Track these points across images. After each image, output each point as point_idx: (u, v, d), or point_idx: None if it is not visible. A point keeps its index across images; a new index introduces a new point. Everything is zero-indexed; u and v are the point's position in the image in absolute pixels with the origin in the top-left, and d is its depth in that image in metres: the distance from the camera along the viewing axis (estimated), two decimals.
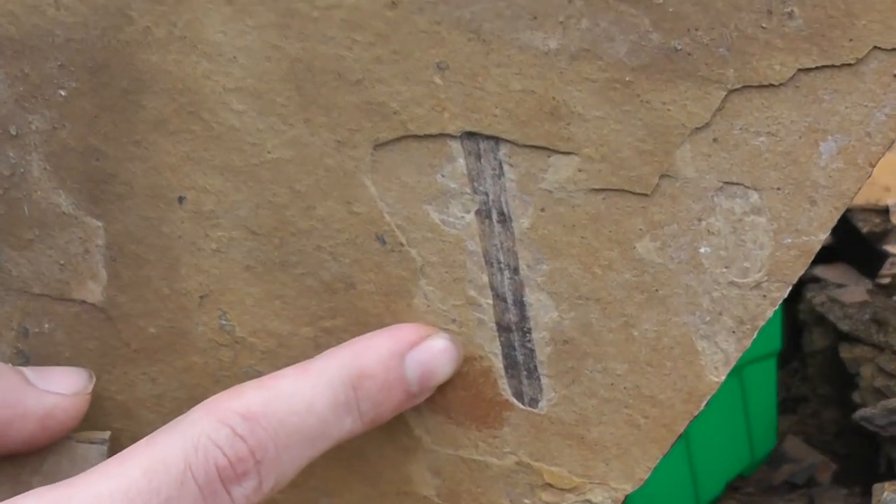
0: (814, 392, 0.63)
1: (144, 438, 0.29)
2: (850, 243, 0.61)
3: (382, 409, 0.32)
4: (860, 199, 0.61)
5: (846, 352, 0.58)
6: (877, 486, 0.44)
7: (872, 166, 0.30)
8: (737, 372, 0.55)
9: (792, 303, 0.62)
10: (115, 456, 0.29)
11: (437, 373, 0.33)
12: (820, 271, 0.61)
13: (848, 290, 0.59)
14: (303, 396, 0.31)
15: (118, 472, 0.28)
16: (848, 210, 0.63)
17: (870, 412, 0.54)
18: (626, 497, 0.34)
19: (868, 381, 0.56)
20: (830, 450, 0.60)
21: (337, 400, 0.31)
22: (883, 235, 0.62)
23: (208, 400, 0.30)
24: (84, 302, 0.36)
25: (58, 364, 0.36)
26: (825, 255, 0.62)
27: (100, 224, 0.35)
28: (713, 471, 0.56)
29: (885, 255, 0.60)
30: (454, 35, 0.31)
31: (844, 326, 0.58)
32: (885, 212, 0.62)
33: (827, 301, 0.59)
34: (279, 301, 0.34)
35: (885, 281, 0.59)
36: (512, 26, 0.31)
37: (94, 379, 0.35)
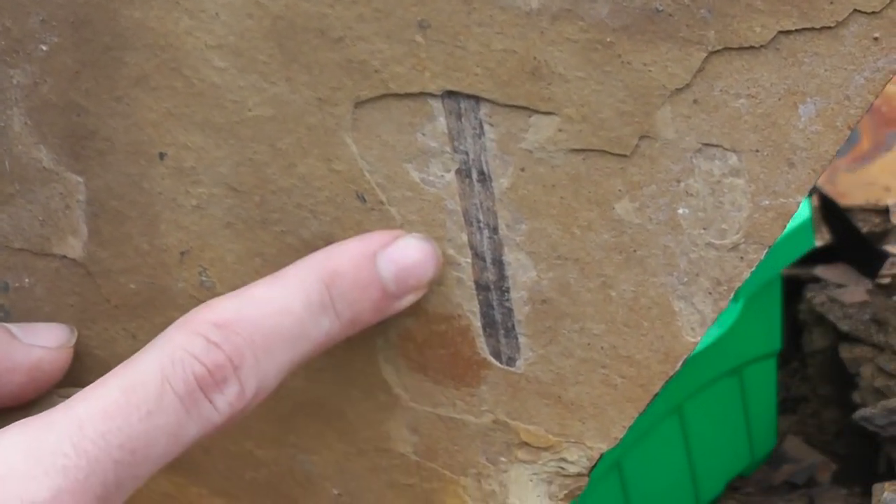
0: (814, 392, 0.63)
1: (123, 362, 0.29)
2: (850, 243, 0.61)
3: (359, 308, 0.32)
4: (860, 199, 0.62)
5: (846, 352, 0.58)
6: (877, 486, 0.44)
7: (850, 129, 0.30)
8: (737, 372, 0.55)
9: (792, 303, 0.62)
10: (95, 381, 0.29)
11: (413, 270, 0.33)
12: (820, 271, 0.61)
13: (848, 290, 0.59)
14: (276, 299, 0.31)
15: (97, 394, 0.28)
16: (848, 210, 0.63)
17: (870, 412, 0.54)
18: (601, 455, 0.34)
19: (868, 381, 0.57)
20: (830, 450, 0.60)
21: (311, 299, 0.31)
22: (883, 235, 0.62)
23: (183, 316, 0.30)
24: (65, 257, 0.36)
25: (38, 319, 0.36)
26: (825, 255, 0.62)
27: (81, 180, 0.35)
28: (713, 471, 0.56)
29: (885, 255, 0.60)
30: None
31: (844, 326, 0.58)
32: (885, 212, 0.62)
33: (827, 301, 0.59)
34: (259, 258, 0.35)
35: (885, 281, 0.59)
36: None
37: (76, 333, 0.35)
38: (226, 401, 0.29)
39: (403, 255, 0.33)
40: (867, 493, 0.49)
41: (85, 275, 0.36)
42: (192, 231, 0.35)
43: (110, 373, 0.29)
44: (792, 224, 0.53)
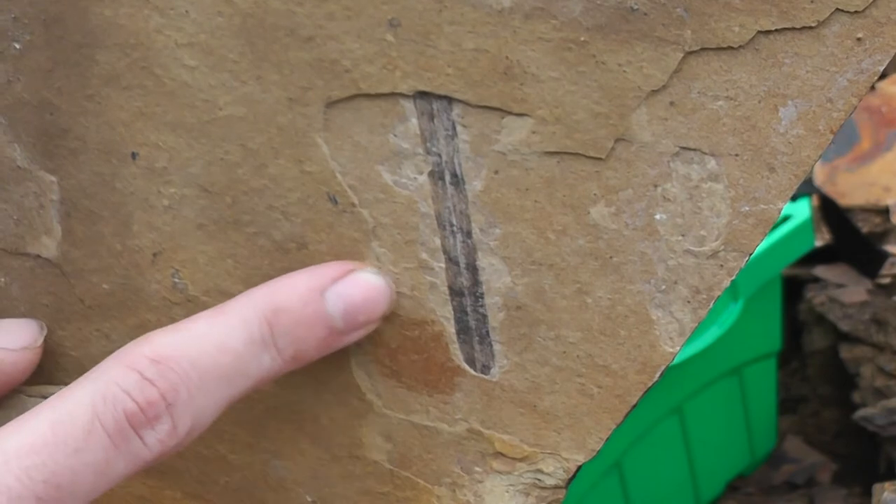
0: (814, 392, 0.63)
1: (57, 392, 0.29)
2: (850, 243, 0.61)
3: (303, 345, 0.31)
4: (860, 199, 0.61)
5: (846, 352, 0.58)
6: (877, 486, 0.43)
7: (833, 133, 0.29)
8: (737, 372, 0.55)
9: (792, 303, 0.62)
10: (25, 412, 0.28)
11: (363, 308, 0.32)
12: (820, 271, 0.61)
13: (848, 290, 0.59)
14: (215, 335, 0.30)
15: (25, 428, 0.28)
16: (848, 210, 0.62)
17: (870, 412, 0.54)
18: (579, 468, 0.33)
19: (868, 381, 0.56)
20: (830, 450, 0.60)
21: (252, 336, 0.30)
22: (883, 235, 0.61)
23: (119, 349, 0.29)
24: (39, 256, 0.35)
25: (17, 315, 0.36)
26: (825, 255, 0.61)
27: (54, 179, 0.35)
28: (713, 471, 0.56)
29: (885, 255, 0.59)
30: None
31: (844, 326, 0.58)
32: (885, 212, 0.62)
33: (827, 301, 0.59)
34: (231, 260, 0.34)
35: (885, 281, 0.58)
36: None
37: (45, 331, 0.34)
38: (157, 438, 0.29)
39: (353, 291, 0.32)
40: (867, 493, 0.49)
41: (59, 275, 0.35)
42: (164, 232, 0.34)
43: (44, 403, 0.29)
44: (792, 224, 0.52)
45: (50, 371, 0.36)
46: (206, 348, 0.30)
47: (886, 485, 0.43)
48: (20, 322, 0.34)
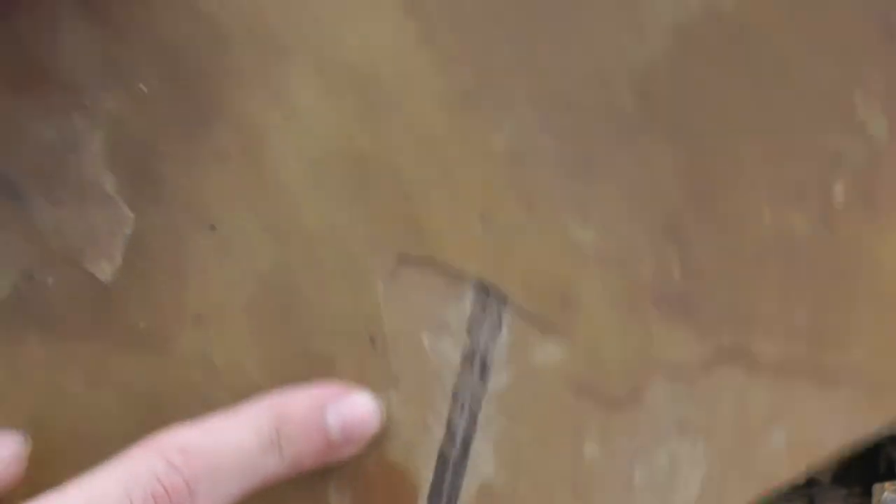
0: None
1: (85, 474, 0.31)
2: None
3: (303, 451, 0.35)
4: None
5: None
6: (877, 486, 0.45)
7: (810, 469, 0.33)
8: None
9: None
10: (54, 489, 0.31)
11: (358, 426, 0.36)
12: None
13: None
14: (233, 435, 0.34)
15: (58, 501, 0.30)
16: None
17: None
18: None
19: None
20: None
21: (262, 440, 0.34)
22: None
23: (147, 437, 0.32)
24: (93, 275, 0.38)
25: (50, 320, 0.38)
26: None
27: (132, 216, 0.37)
28: None
29: None
30: (506, 192, 0.34)
31: None
32: None
33: None
34: (262, 349, 0.37)
35: None
36: (562, 206, 0.33)
37: (28, 445, 0.37)
38: None
39: (352, 410, 0.35)
40: (867, 493, 0.50)
41: (105, 296, 0.38)
42: (212, 303, 0.37)
43: (72, 483, 0.31)
44: None
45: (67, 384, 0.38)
46: (226, 445, 0.33)
47: (886, 485, 0.45)
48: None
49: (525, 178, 0.33)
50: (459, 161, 0.34)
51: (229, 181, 0.36)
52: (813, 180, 0.31)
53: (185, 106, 0.36)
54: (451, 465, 0.36)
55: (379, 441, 0.36)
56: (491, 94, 0.33)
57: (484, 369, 0.35)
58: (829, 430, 0.32)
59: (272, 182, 0.36)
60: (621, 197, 0.33)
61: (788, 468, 0.33)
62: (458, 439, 0.36)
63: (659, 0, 0.31)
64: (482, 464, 0.35)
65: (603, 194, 0.33)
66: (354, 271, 0.35)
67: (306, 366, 0.36)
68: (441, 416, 0.36)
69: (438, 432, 0.36)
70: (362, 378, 0.36)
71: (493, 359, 0.35)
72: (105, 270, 0.38)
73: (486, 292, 0.34)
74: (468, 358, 0.35)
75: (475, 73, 0.34)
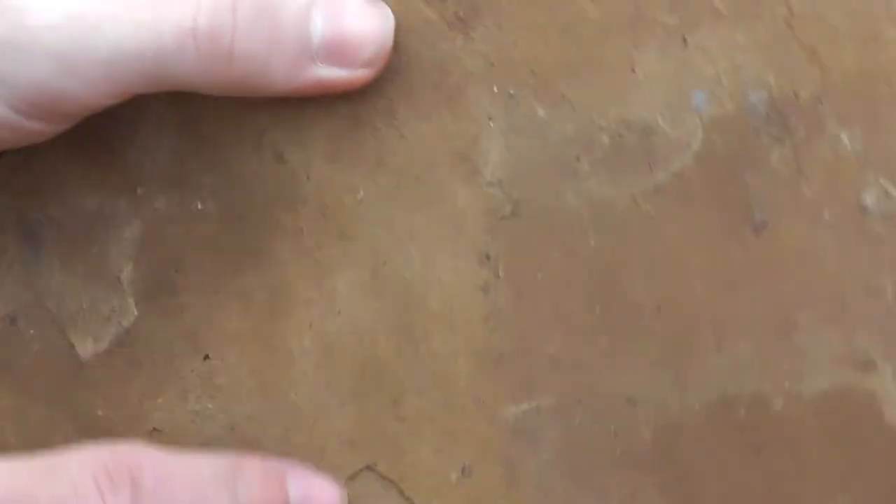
0: None
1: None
2: None
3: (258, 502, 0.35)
4: None
5: None
6: None
7: None
8: None
9: None
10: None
11: (314, 500, 0.36)
12: None
13: None
14: (189, 460, 0.34)
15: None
16: None
17: None
18: None
19: None
20: None
21: (217, 473, 0.34)
22: None
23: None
24: (73, 347, 0.37)
25: (19, 366, 0.38)
26: None
27: (136, 314, 0.37)
28: None
29: None
30: (492, 457, 0.34)
31: None
32: None
33: None
34: None
35: None
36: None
37: None
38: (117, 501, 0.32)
39: (312, 483, 0.35)
40: None
41: (76, 371, 0.38)
42: (176, 427, 0.37)
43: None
44: None
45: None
46: (179, 462, 0.34)
47: None
48: None
49: (516, 454, 0.34)
50: (462, 413, 0.35)
51: (238, 324, 0.36)
52: None
53: (230, 238, 0.36)
54: None
55: None
56: (523, 368, 0.34)
57: None
58: None
59: (279, 342, 0.36)
60: None
61: None
62: None
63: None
64: None
65: None
66: (323, 463, 0.36)
67: None
68: None
69: None
70: None
71: None
72: (87, 349, 0.37)
73: None
74: None
75: (518, 336, 0.34)
